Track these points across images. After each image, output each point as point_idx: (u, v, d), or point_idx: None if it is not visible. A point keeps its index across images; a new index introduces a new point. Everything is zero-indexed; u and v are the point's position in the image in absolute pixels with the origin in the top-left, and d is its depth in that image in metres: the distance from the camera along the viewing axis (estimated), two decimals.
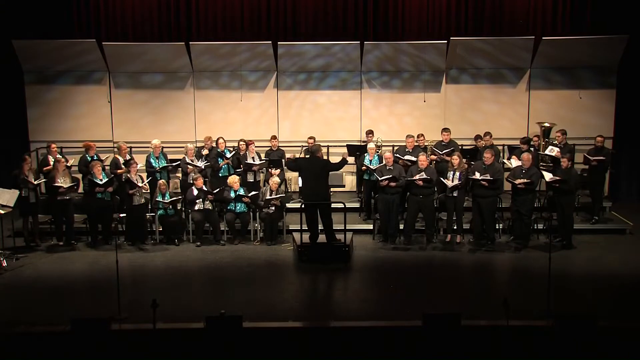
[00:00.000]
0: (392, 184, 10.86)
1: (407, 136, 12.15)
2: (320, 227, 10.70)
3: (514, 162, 11.64)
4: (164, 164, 12.03)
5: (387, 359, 7.66)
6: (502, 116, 13.79)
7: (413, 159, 11.56)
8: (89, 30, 13.74)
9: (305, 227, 10.71)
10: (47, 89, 13.76)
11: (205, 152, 12.24)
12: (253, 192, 11.44)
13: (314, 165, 10.65)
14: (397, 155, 11.88)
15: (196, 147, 12.60)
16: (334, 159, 11.72)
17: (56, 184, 10.91)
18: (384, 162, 11.26)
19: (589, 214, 12.20)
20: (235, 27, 13.92)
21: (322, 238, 10.69)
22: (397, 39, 13.70)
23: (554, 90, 13.72)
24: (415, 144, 12.22)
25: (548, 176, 10.94)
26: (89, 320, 7.50)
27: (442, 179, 11.04)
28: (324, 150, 12.64)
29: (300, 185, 10.89)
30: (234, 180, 11.43)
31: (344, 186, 12.40)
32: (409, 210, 11.21)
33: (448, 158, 11.37)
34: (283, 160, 12.77)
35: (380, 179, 10.92)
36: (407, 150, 12.00)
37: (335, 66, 13.71)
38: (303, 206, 10.69)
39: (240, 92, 13.84)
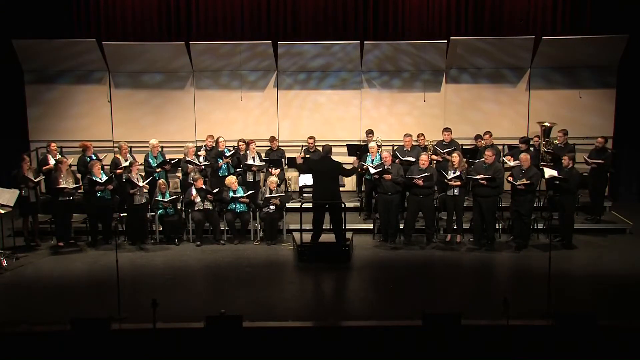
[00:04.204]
0: (386, 176, 10.86)
1: (405, 135, 12.16)
2: (327, 226, 10.75)
3: (511, 162, 11.65)
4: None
5: (387, 359, 7.67)
6: (502, 116, 13.79)
7: (412, 159, 11.58)
8: (89, 30, 13.73)
9: (305, 226, 10.72)
10: (47, 89, 13.76)
11: (202, 152, 12.19)
12: (250, 192, 11.44)
13: (328, 167, 10.71)
14: (397, 154, 11.90)
15: (196, 146, 12.60)
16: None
17: (60, 186, 10.90)
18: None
19: (589, 214, 12.19)
20: (235, 27, 13.92)
21: (323, 238, 10.70)
22: (397, 39, 13.70)
23: (554, 90, 13.73)
24: (415, 143, 12.23)
25: (549, 172, 10.93)
26: (89, 320, 7.50)
27: (442, 171, 11.07)
28: None
29: (312, 184, 10.93)
30: (231, 181, 11.43)
31: (343, 185, 12.40)
32: (409, 210, 11.22)
33: (449, 158, 11.37)
34: (283, 160, 12.78)
35: (372, 172, 10.95)
36: (405, 149, 12.01)
37: (335, 66, 13.72)
38: (313, 205, 10.76)
39: (240, 91, 13.84)
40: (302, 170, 11.98)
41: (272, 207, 11.29)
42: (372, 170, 11.09)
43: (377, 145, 11.95)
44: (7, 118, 13.74)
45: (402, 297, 9.09)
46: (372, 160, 11.69)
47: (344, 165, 11.03)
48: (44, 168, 11.67)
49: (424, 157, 11.02)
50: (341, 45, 13.41)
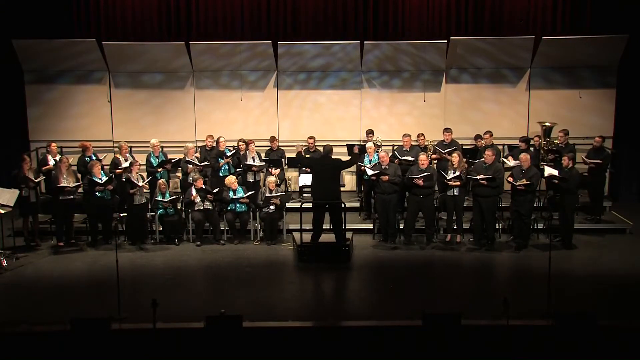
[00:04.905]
0: (383, 177, 10.86)
1: (404, 135, 12.16)
2: (327, 226, 10.75)
3: (511, 162, 11.65)
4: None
5: (387, 359, 7.67)
6: (502, 116, 13.80)
7: (410, 159, 11.58)
8: (89, 30, 13.74)
9: (305, 226, 10.73)
10: (47, 89, 13.76)
11: (197, 155, 12.14)
12: (250, 192, 11.45)
13: (327, 166, 10.72)
14: (397, 154, 11.90)
15: (196, 146, 12.60)
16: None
17: (61, 184, 10.90)
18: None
19: (589, 214, 12.19)
20: (235, 27, 13.92)
21: (323, 238, 10.70)
22: (397, 39, 13.70)
23: (554, 89, 13.73)
24: (415, 143, 12.24)
25: (548, 171, 10.93)
26: (89, 320, 7.50)
27: (441, 171, 11.09)
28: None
29: (312, 184, 10.97)
30: (231, 181, 11.43)
31: (343, 185, 12.42)
32: (409, 210, 11.22)
33: (449, 157, 11.37)
34: (283, 160, 12.78)
35: (369, 173, 10.96)
36: (404, 149, 12.02)
37: (335, 66, 13.72)
38: (313, 205, 10.78)
39: (241, 91, 13.84)
40: (302, 162, 11.94)
41: (272, 207, 11.29)
42: (370, 172, 11.09)
43: (374, 145, 11.96)
44: (7, 118, 13.75)
45: (402, 297, 9.09)
46: (370, 160, 11.69)
47: (343, 160, 11.03)
48: (43, 168, 11.66)
49: (423, 157, 11.02)
50: (341, 45, 13.42)
